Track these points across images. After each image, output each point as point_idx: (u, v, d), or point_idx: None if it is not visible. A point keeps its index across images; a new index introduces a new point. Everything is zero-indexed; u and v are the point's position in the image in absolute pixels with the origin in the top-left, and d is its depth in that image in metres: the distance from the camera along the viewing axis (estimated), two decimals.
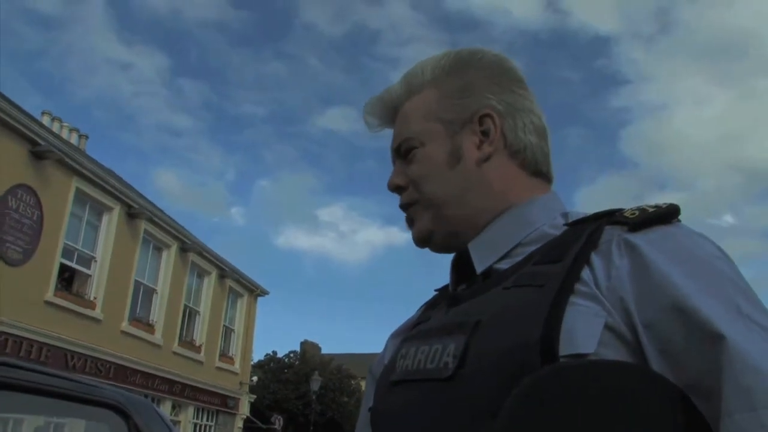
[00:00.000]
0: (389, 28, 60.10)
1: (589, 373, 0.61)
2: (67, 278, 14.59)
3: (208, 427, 20.34)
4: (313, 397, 26.71)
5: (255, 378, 29.89)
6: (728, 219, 72.24)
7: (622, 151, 65.11)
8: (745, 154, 69.78)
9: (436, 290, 0.95)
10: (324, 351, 40.16)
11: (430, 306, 0.90)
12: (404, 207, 0.90)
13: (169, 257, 17.93)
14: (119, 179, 17.57)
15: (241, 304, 22.40)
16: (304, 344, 38.28)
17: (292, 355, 35.63)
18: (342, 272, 79.38)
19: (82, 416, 2.08)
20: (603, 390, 0.59)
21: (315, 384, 25.52)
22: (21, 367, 1.90)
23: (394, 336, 0.95)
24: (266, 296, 23.78)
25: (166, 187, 49.48)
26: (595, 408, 0.58)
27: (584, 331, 0.63)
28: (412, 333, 0.84)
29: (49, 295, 13.30)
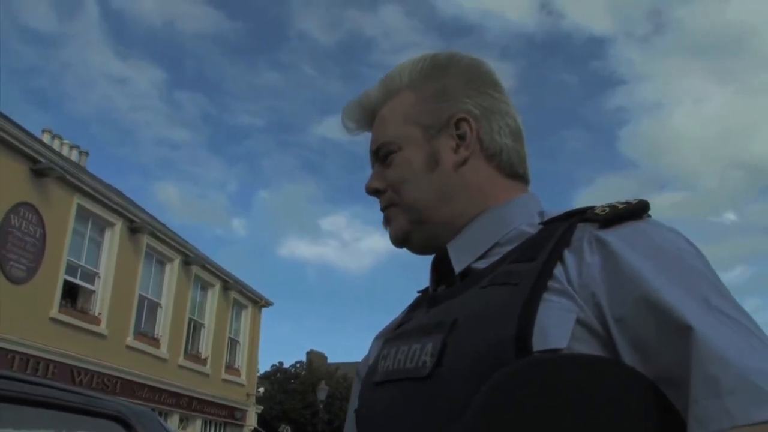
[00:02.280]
0: (383, 35, 59.85)
1: (560, 367, 0.62)
2: (72, 294, 14.59)
3: None
4: (321, 407, 26.57)
5: (262, 389, 29.79)
6: (731, 217, 71.53)
7: (622, 152, 64.61)
8: (747, 151, 69.31)
9: (418, 292, 0.96)
10: (330, 360, 40.01)
11: (413, 307, 0.92)
12: (384, 210, 0.91)
13: (172, 271, 17.90)
14: (120, 194, 17.59)
15: (246, 315, 22.32)
16: (310, 354, 38.14)
17: (298, 365, 35.50)
18: (346, 281, 78.96)
19: (85, 428, 2.09)
20: (574, 382, 0.60)
21: (322, 393, 25.39)
22: (22, 380, 1.91)
23: (377, 338, 0.96)
24: (271, 307, 23.73)
25: (167, 201, 49.19)
26: (566, 400, 0.59)
27: (557, 326, 0.65)
28: (394, 334, 0.86)
29: (54, 312, 13.28)
